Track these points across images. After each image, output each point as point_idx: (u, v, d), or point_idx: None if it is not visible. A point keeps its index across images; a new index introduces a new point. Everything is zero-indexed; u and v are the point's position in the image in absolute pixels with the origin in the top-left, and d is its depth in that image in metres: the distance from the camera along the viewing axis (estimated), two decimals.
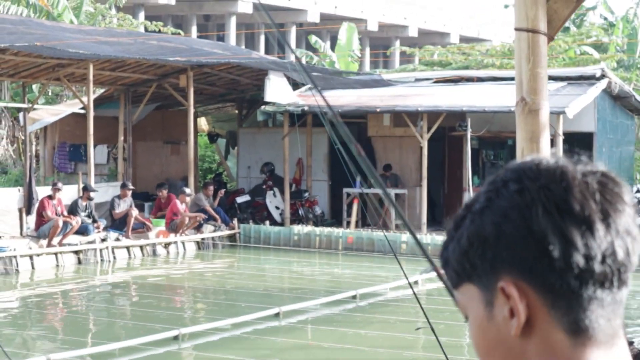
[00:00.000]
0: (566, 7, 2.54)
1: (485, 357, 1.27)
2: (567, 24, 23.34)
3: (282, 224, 23.34)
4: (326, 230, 22.25)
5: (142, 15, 42.02)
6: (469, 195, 22.06)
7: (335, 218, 24.50)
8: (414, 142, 23.24)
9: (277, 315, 13.42)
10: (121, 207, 21.34)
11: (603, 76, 23.26)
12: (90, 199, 20.47)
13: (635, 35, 36.57)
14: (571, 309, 1.20)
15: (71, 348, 11.44)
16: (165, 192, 22.44)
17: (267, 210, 24.12)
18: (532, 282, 1.20)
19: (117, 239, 20.38)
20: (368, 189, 23.84)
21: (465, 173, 22.54)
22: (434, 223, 24.09)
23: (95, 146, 22.35)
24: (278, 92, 22.43)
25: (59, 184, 20.20)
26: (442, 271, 1.30)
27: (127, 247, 20.36)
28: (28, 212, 20.36)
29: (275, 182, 24.40)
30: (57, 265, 18.78)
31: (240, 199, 24.62)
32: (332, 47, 36.39)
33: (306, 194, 24.25)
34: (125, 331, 12.99)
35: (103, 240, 20.01)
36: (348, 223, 23.42)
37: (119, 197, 21.55)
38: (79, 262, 19.21)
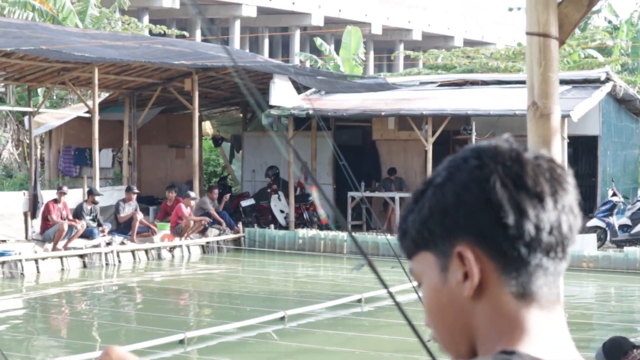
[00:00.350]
0: (577, 11, 2.55)
1: (436, 319, 1.38)
2: None
3: (286, 228, 23.34)
4: (331, 234, 22.24)
5: (146, 18, 42.07)
6: None
7: (340, 222, 24.47)
8: (418, 146, 23.22)
9: (282, 319, 13.41)
10: (126, 211, 21.35)
11: (608, 79, 23.24)
12: (95, 202, 20.48)
13: (639, 38, 36.54)
14: (519, 274, 1.31)
15: (76, 352, 11.44)
16: (173, 195, 22.41)
17: (272, 214, 24.12)
18: (486, 249, 1.31)
19: (122, 243, 20.39)
20: (372, 193, 23.88)
21: None
22: None
23: (100, 150, 22.36)
24: (283, 95, 22.43)
25: (64, 188, 20.21)
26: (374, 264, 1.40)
27: (132, 251, 20.37)
28: (33, 216, 20.38)
29: (280, 186, 24.40)
30: (62, 269, 18.79)
31: (244, 203, 24.62)
32: (337, 51, 36.38)
33: (311, 198, 24.24)
34: (130, 335, 12.99)
35: (108, 244, 20.01)
36: (353, 226, 23.43)
37: (124, 200, 21.56)
38: (84, 265, 19.22)
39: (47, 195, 20.62)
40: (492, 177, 1.31)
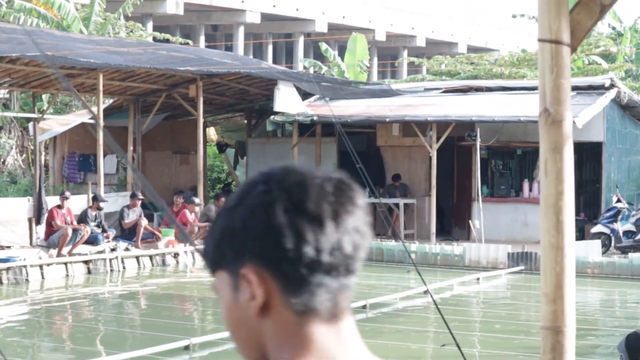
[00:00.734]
0: (589, 18, 2.56)
1: (233, 333, 1.47)
2: None
3: None
4: None
5: (150, 25, 42.14)
6: (478, 205, 22.07)
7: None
8: (423, 152, 23.23)
9: None
10: (130, 217, 21.36)
11: (612, 86, 23.26)
12: (99, 208, 20.50)
13: None
14: (301, 293, 1.40)
15: (81, 358, 11.44)
16: (180, 200, 22.39)
17: None
18: (270, 270, 1.40)
19: (127, 249, 20.39)
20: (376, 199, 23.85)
21: (475, 183, 22.54)
22: (443, 233, 24.08)
23: (104, 156, 22.38)
24: (287, 102, 22.45)
25: (67, 193, 20.24)
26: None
27: (137, 257, 20.37)
28: (38, 222, 20.40)
29: None
30: (67, 275, 18.79)
31: None
32: (341, 57, 36.42)
33: None
34: (135, 341, 12.99)
35: (112, 250, 20.02)
36: None
37: (128, 207, 21.57)
38: (89, 271, 19.22)
39: (51, 201, 20.64)
40: (276, 202, 1.40)
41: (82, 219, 20.19)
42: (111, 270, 19.50)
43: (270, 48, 51.29)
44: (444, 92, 25.39)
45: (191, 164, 26.04)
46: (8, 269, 17.71)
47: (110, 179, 25.40)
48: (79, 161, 25.77)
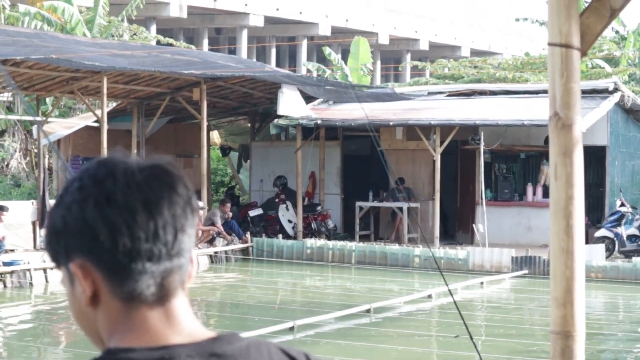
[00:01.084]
0: (599, 22, 2.56)
1: (79, 325, 1.55)
2: None
3: (294, 238, 23.32)
4: (339, 243, 22.20)
5: (153, 28, 42.14)
6: (481, 209, 22.06)
7: (348, 231, 24.47)
8: (426, 156, 23.22)
9: (291, 329, 13.40)
10: None
11: (616, 89, 23.25)
12: None
13: None
14: (124, 281, 1.47)
15: None
16: None
17: (280, 224, 24.11)
18: (93, 263, 1.47)
19: None
20: (380, 203, 23.87)
21: (478, 186, 22.53)
22: (447, 237, 24.07)
23: None
24: (291, 105, 22.44)
25: None
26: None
27: None
28: (41, 225, 20.41)
29: (288, 196, 24.39)
30: None
31: (252, 213, 24.61)
32: (344, 60, 36.41)
33: (319, 208, 24.26)
34: None
35: None
36: (361, 236, 23.44)
37: None
38: None
39: None
40: (88, 198, 1.47)
41: None
42: None
43: (273, 51, 51.28)
44: (447, 95, 25.39)
45: (195, 167, 26.02)
46: (12, 272, 17.72)
47: None
48: (82, 164, 25.76)
